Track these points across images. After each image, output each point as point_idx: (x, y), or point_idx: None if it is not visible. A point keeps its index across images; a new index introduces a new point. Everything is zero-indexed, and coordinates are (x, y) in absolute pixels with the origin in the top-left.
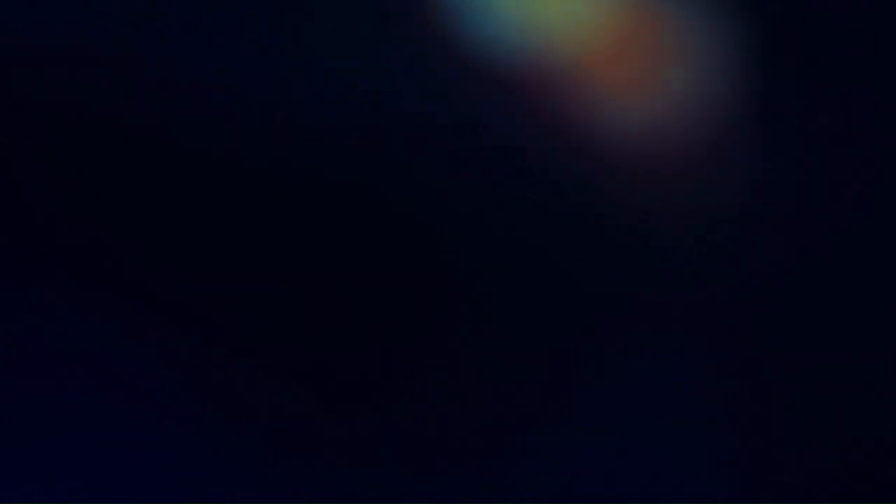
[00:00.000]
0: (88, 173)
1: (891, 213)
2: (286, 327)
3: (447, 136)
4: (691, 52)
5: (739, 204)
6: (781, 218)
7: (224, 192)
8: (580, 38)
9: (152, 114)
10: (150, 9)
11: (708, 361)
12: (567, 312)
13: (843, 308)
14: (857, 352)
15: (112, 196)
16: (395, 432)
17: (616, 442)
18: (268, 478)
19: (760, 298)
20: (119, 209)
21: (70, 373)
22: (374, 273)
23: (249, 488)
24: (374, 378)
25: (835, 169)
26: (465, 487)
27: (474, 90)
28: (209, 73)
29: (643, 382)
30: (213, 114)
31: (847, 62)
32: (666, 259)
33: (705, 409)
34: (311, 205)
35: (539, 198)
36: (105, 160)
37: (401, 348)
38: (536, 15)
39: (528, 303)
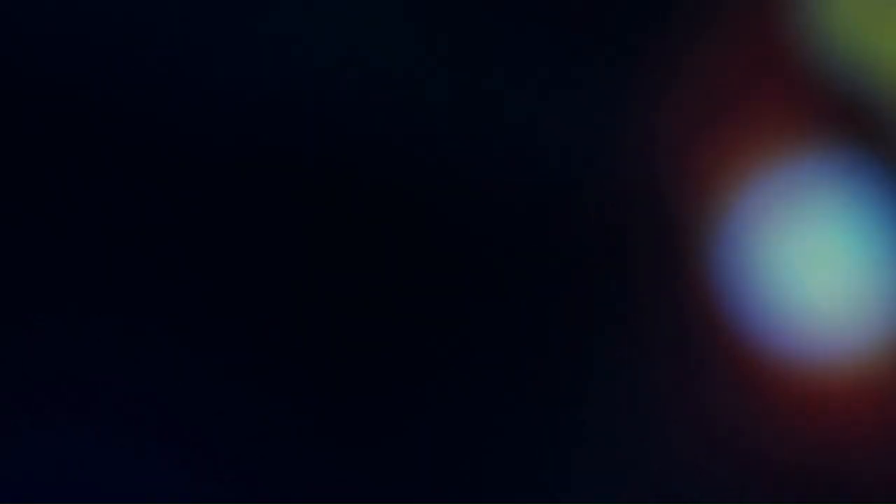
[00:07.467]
0: (97, 170)
1: None
2: (299, 328)
3: None
4: None
5: None
6: None
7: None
8: None
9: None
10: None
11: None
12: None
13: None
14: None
15: (120, 198)
16: (402, 432)
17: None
18: (267, 477)
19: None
20: (126, 210)
21: (70, 372)
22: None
23: (249, 488)
24: (380, 378)
25: None
26: (466, 486)
27: None
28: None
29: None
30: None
31: None
32: None
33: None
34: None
35: None
36: (111, 161)
37: (412, 351)
38: None
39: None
